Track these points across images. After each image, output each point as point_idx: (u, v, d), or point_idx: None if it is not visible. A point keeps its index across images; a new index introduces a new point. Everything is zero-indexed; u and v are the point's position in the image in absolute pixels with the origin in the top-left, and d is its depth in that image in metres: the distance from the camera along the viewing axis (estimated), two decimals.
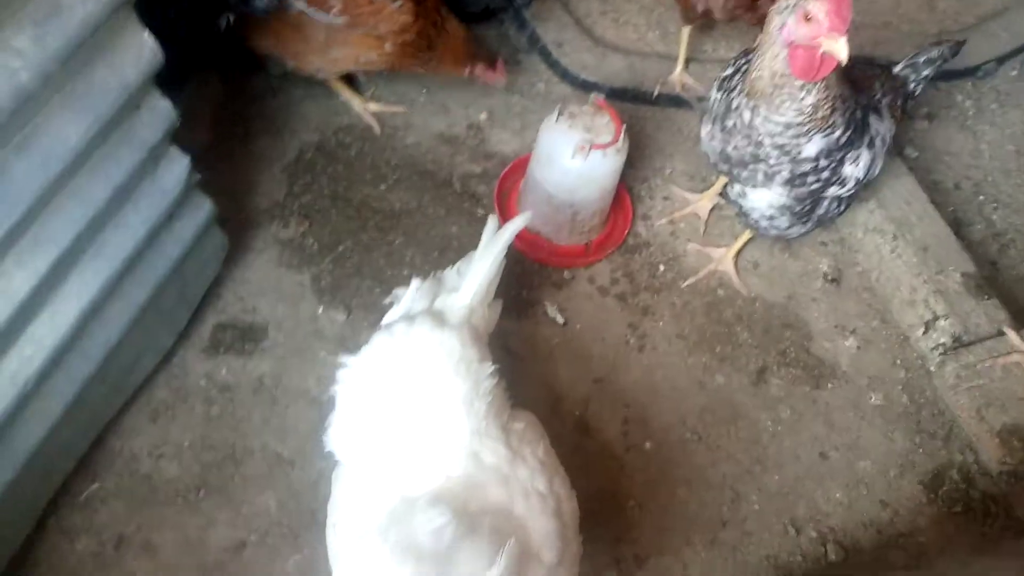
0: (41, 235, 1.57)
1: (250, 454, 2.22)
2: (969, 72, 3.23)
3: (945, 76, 3.18)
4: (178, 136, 1.90)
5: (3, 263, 1.55)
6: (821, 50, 1.84)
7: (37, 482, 1.92)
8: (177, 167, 1.88)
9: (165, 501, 2.14)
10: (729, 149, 2.19)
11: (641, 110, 2.97)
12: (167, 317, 2.16)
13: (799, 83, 1.95)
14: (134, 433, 2.21)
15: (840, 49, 1.80)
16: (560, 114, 2.39)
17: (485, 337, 1.87)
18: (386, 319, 1.95)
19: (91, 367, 1.86)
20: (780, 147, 2.09)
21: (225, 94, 2.79)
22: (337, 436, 1.74)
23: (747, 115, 2.08)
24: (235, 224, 2.47)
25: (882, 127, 2.21)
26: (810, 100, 1.99)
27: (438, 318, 1.78)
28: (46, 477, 1.96)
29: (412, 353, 1.69)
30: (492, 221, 2.01)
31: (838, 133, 2.09)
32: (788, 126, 2.04)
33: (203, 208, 2.08)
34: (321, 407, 2.17)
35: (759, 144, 2.10)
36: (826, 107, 2.02)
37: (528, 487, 1.59)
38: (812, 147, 2.09)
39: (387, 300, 2.15)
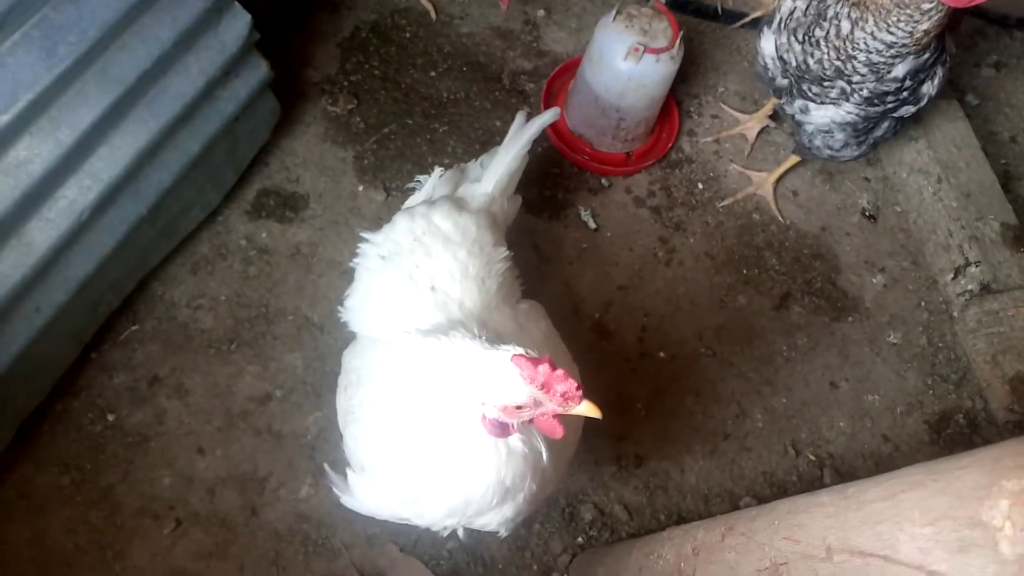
0: (107, 70, 1.64)
1: (282, 315, 2.33)
2: None
3: (1021, 24, 3.07)
4: None
5: (68, 93, 1.62)
6: None
7: (85, 312, 2.04)
8: (239, 23, 1.92)
9: (198, 349, 2.26)
10: (811, 61, 2.10)
11: (701, 25, 2.92)
12: (216, 174, 2.23)
13: (927, 6, 1.88)
14: (175, 282, 2.32)
15: None
16: (618, 13, 2.36)
17: (503, 227, 1.92)
18: (407, 203, 2.01)
19: (142, 208, 1.95)
20: (872, 65, 2.02)
21: None
22: (354, 308, 1.83)
23: (846, 26, 2.00)
24: (287, 94, 2.51)
25: (949, 41, 2.16)
26: (925, 25, 1.91)
27: (458, 203, 1.84)
28: (93, 309, 2.08)
29: (431, 232, 1.75)
30: (520, 116, 2.04)
31: (927, 55, 2.04)
32: (891, 46, 1.97)
33: (259, 70, 2.12)
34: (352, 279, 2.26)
35: (850, 58, 2.02)
36: (934, 35, 1.96)
37: None
38: (902, 68, 2.04)
39: (409, 185, 2.19)
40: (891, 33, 1.95)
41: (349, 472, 1.61)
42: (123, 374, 2.21)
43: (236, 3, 1.91)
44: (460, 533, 1.60)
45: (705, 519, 1.54)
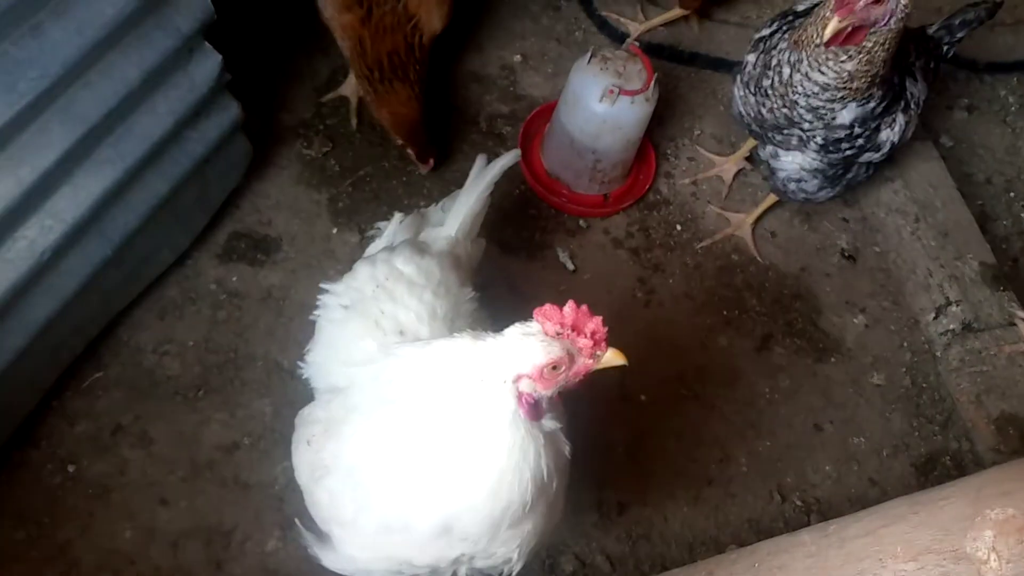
0: (71, 108, 1.61)
1: (251, 361, 2.27)
2: (1017, 67, 3.16)
3: (991, 69, 3.13)
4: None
5: (29, 131, 1.59)
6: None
7: (46, 357, 1.98)
8: (209, 62, 1.91)
9: (164, 396, 2.19)
10: (764, 112, 2.18)
11: (676, 69, 2.95)
12: (186, 216, 2.20)
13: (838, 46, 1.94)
14: (142, 327, 2.26)
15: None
16: (592, 56, 2.38)
17: (468, 270, 1.88)
18: (368, 251, 1.98)
19: (107, 250, 1.91)
20: (814, 110, 2.08)
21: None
22: (316, 362, 1.75)
23: (786, 71, 2.06)
24: (261, 137, 2.50)
25: (916, 90, 2.19)
26: (850, 66, 1.98)
27: (419, 247, 1.81)
28: (55, 354, 2.02)
29: (393, 276, 1.70)
30: (480, 159, 2.03)
31: (873, 104, 2.08)
32: (825, 88, 2.02)
33: (230, 111, 2.10)
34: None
35: (794, 105, 2.09)
36: (863, 80, 2.01)
37: None
38: (847, 114, 2.09)
39: (369, 233, 2.15)
40: (822, 73, 2.01)
41: (334, 530, 1.49)
42: (85, 422, 2.13)
43: (206, 43, 1.90)
44: (462, 572, 1.48)
45: (685, 565, 1.48)
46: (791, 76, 2.06)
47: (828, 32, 1.89)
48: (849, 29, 1.91)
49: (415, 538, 1.34)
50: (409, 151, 2.52)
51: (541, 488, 1.31)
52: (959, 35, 2.37)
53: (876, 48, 1.94)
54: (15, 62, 1.50)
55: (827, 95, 2.04)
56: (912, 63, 2.21)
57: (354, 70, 2.43)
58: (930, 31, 2.37)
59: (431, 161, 2.53)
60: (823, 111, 2.08)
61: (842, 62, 1.98)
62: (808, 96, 2.06)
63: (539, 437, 1.29)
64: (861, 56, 1.96)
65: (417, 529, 1.32)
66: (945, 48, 2.38)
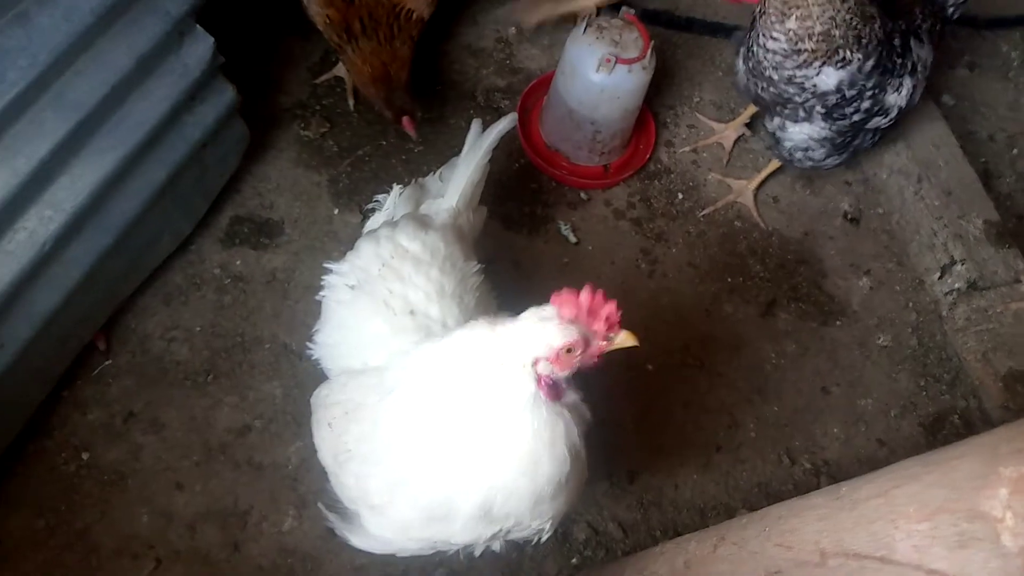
0: (63, 96, 1.60)
1: (259, 343, 2.27)
2: (1019, 22, 3.12)
3: (992, 24, 3.09)
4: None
5: (22, 121, 1.58)
6: None
7: (53, 348, 1.98)
8: (201, 46, 1.89)
9: (174, 382, 2.20)
10: (760, 92, 2.17)
11: (673, 36, 2.92)
12: (186, 202, 2.19)
13: (778, 4, 1.93)
14: (148, 314, 2.27)
15: None
16: (588, 25, 2.35)
17: (470, 240, 1.87)
18: (368, 225, 1.96)
19: (109, 239, 1.90)
20: (789, 81, 2.06)
21: None
22: (327, 343, 1.75)
23: (756, 49, 2.06)
24: (258, 120, 2.48)
25: (923, 52, 2.16)
26: (791, 25, 1.95)
27: (422, 221, 1.79)
28: (62, 344, 2.02)
29: (399, 255, 1.69)
30: (476, 125, 1.99)
31: (855, 66, 2.05)
32: (782, 54, 2.01)
33: (225, 94, 2.09)
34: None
35: (771, 80, 2.07)
36: (819, 40, 1.97)
37: None
38: (828, 80, 2.06)
39: (368, 206, 2.13)
40: (774, 39, 1.99)
41: (363, 511, 1.50)
42: (97, 410, 2.14)
43: (198, 26, 1.88)
44: (497, 547, 1.51)
45: (696, 531, 1.49)
46: (757, 52, 2.06)
47: None
48: None
49: (455, 520, 1.36)
50: (385, 112, 2.45)
51: (575, 459, 1.35)
52: None
53: (810, 2, 1.91)
54: (2, 51, 1.48)
55: (791, 62, 2.02)
56: (919, 25, 2.17)
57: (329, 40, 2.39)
58: None
59: (406, 120, 2.44)
60: (798, 79, 2.06)
61: (782, 21, 1.95)
62: (775, 68, 2.05)
63: (563, 412, 1.32)
64: (798, 12, 1.93)
65: (459, 512, 1.35)
66: (951, 10, 2.34)
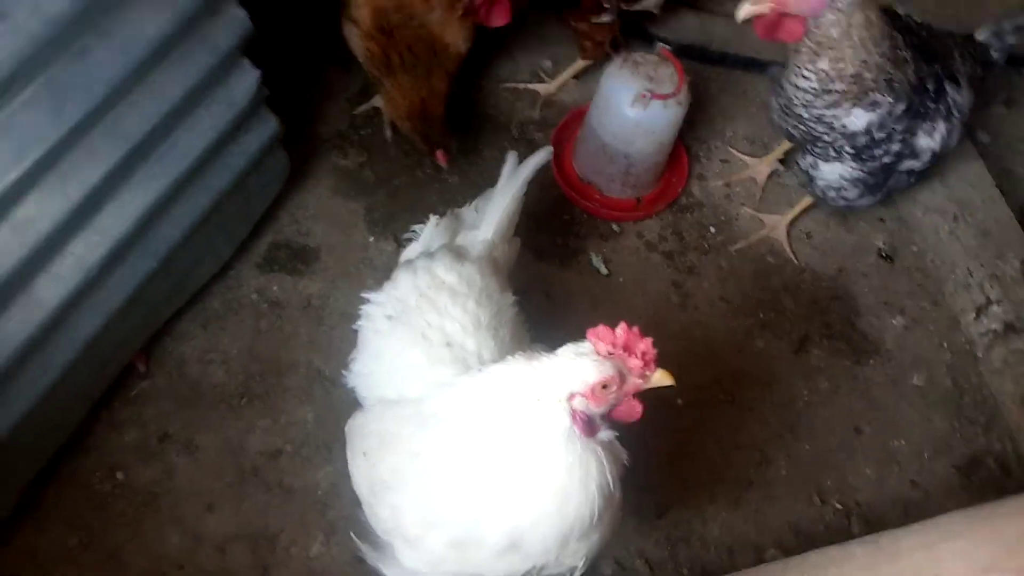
0: (116, 126, 1.65)
1: (294, 368, 2.30)
2: None
3: None
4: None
5: (76, 150, 1.63)
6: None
7: (94, 370, 2.02)
8: (248, 79, 1.94)
9: (209, 404, 2.23)
10: (791, 130, 2.18)
11: (707, 70, 2.94)
12: (228, 227, 2.24)
13: (812, 44, 1.93)
14: (186, 337, 2.31)
15: None
16: (624, 61, 2.38)
17: (505, 271, 1.89)
18: (404, 255, 1.98)
19: (152, 263, 1.94)
20: (819, 119, 2.06)
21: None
22: (363, 373, 1.77)
23: (786, 86, 2.07)
24: (297, 149, 2.53)
25: (960, 97, 2.15)
26: (823, 65, 1.95)
27: (458, 252, 1.81)
28: (102, 367, 2.06)
29: (435, 286, 1.71)
30: (512, 157, 2.00)
31: (885, 108, 2.05)
32: (815, 93, 2.01)
33: (269, 124, 2.14)
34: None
35: (799, 118, 2.08)
36: (850, 82, 1.97)
37: None
38: (856, 121, 2.06)
39: (405, 235, 2.17)
40: (805, 78, 1.99)
41: (398, 544, 1.50)
42: (133, 431, 2.18)
43: (245, 59, 1.93)
44: None
45: (730, 573, 1.47)
46: (788, 89, 2.06)
47: (742, 12, 1.85)
48: (770, 15, 1.87)
49: (486, 555, 1.36)
50: (420, 145, 2.50)
51: (608, 499, 1.35)
52: (1010, 41, 2.33)
53: (843, 44, 1.91)
54: (62, 85, 1.53)
55: (821, 102, 2.02)
56: (957, 69, 2.17)
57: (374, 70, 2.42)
58: (979, 37, 2.33)
59: (440, 153, 2.49)
60: (828, 119, 2.07)
61: (814, 61, 1.95)
62: (805, 106, 2.06)
63: (597, 450, 1.32)
64: (831, 53, 1.92)
65: (488, 546, 1.35)
66: (995, 55, 2.33)
